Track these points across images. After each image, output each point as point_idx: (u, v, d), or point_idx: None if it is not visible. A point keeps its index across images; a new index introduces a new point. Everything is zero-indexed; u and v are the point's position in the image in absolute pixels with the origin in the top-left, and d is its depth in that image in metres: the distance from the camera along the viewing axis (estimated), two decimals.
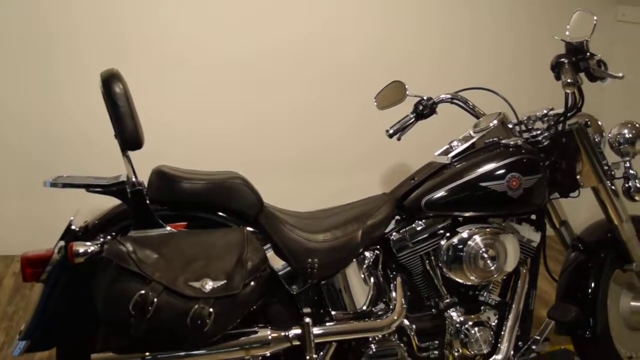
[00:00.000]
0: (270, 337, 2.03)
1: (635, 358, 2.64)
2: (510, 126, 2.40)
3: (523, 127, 2.45)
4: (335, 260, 2.15)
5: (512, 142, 2.28)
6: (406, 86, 2.55)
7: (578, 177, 2.41)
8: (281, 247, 2.09)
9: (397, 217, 2.32)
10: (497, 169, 2.22)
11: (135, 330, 1.80)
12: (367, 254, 2.24)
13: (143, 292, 1.77)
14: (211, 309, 1.81)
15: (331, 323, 2.16)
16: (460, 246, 2.21)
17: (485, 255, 2.21)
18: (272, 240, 2.09)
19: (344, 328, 2.15)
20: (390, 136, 2.55)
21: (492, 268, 2.22)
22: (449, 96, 2.55)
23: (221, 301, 1.83)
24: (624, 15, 3.93)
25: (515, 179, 2.21)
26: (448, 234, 2.25)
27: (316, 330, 2.09)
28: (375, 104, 2.61)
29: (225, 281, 1.85)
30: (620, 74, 2.20)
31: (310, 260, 2.09)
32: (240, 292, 1.86)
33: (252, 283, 1.90)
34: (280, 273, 2.11)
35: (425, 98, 2.53)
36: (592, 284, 2.47)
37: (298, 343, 2.07)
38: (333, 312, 2.20)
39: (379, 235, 2.24)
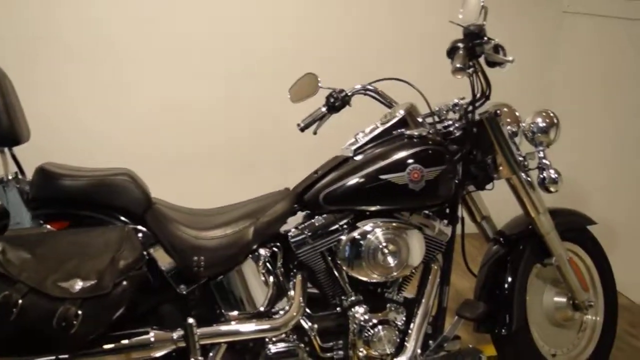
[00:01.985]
0: (152, 339, 1.95)
1: (560, 355, 2.54)
2: (420, 119, 2.31)
3: (436, 118, 2.36)
4: (223, 258, 2.06)
5: (416, 133, 2.19)
6: (319, 78, 2.46)
7: (492, 168, 2.32)
8: (166, 245, 2.01)
9: (305, 213, 2.24)
10: (398, 161, 2.13)
11: (0, 332, 1.73)
12: (262, 251, 2.15)
13: (7, 292, 1.70)
14: (79, 310, 1.73)
15: (220, 324, 2.07)
16: (359, 241, 2.12)
17: (386, 251, 2.13)
18: (158, 238, 2.01)
19: (231, 329, 2.06)
20: (302, 130, 2.46)
21: (393, 264, 2.14)
22: (361, 87, 2.46)
23: (90, 302, 1.76)
24: (569, 6, 3.83)
25: (417, 171, 2.12)
26: (348, 230, 2.16)
27: (201, 331, 2.01)
28: (289, 97, 2.52)
29: (96, 281, 1.77)
30: (511, 58, 2.11)
31: (196, 258, 2.01)
32: (111, 292, 1.79)
33: (124, 283, 1.82)
34: (170, 272, 2.03)
35: (337, 90, 2.44)
36: (509, 279, 2.38)
37: (183, 345, 1.99)
38: (228, 313, 2.11)
39: (275, 232, 2.16)
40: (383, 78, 2.44)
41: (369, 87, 2.46)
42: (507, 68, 2.14)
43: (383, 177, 2.12)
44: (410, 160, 2.13)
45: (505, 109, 2.39)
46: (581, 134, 3.78)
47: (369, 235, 2.13)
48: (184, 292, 2.05)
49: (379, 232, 2.13)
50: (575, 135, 3.81)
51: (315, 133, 2.52)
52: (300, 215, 2.27)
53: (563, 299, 2.54)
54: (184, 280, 2.04)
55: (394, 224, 2.16)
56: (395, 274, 2.16)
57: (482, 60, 2.20)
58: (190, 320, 1.99)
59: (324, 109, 2.44)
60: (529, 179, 2.36)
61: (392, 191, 2.13)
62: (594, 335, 2.63)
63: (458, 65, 2.06)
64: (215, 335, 2.04)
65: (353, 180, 2.14)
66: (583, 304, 2.50)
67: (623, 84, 3.47)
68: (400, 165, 2.13)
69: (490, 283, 2.43)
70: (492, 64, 2.18)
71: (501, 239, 2.48)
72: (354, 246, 2.13)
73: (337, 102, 2.43)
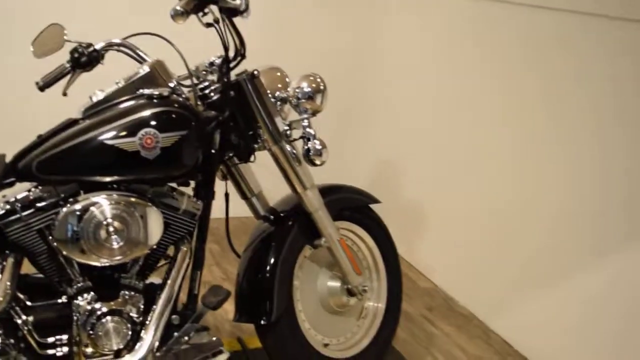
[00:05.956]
0: None
1: (334, 344, 2.34)
2: (174, 79, 2.01)
3: (195, 80, 2.07)
4: None
5: (156, 93, 1.89)
6: (65, 30, 2.10)
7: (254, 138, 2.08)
8: None
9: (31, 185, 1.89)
10: (130, 124, 1.83)
11: None
12: None
13: None
14: None
15: None
16: (78, 217, 1.80)
17: (111, 229, 1.81)
18: None
19: None
20: (41, 89, 2.10)
21: (117, 245, 1.83)
22: (111, 42, 2.12)
23: None
24: None
25: (150, 137, 1.82)
26: (70, 203, 1.83)
27: None
28: (32, 51, 2.14)
29: None
30: (239, 1, 1.86)
31: None
32: None
33: None
34: None
35: (84, 44, 2.09)
36: (271, 261, 2.13)
37: None
38: None
39: None
40: (137, 33, 2.12)
41: (121, 42, 2.13)
42: (249, 16, 1.88)
43: (110, 142, 1.81)
44: (143, 124, 1.83)
45: (275, 73, 2.16)
46: (408, 109, 3.63)
47: (92, 209, 1.81)
48: None
49: (103, 206, 1.82)
50: (401, 110, 3.67)
51: (64, 94, 2.16)
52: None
53: (337, 284, 2.33)
54: None
55: (125, 198, 1.85)
56: (119, 257, 1.85)
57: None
58: None
59: (67, 66, 2.09)
60: (294, 151, 2.12)
61: (121, 159, 1.83)
62: (375, 323, 2.44)
63: (177, 8, 1.77)
64: None
65: (73, 147, 1.81)
66: (357, 288, 2.30)
67: (452, 59, 3.32)
68: (132, 129, 1.82)
69: (252, 266, 2.18)
70: (231, 12, 1.91)
71: (271, 216, 2.23)
72: (72, 222, 1.80)
73: (83, 58, 2.08)
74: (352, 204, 2.36)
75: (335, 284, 2.32)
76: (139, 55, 2.15)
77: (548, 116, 2.69)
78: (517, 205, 2.84)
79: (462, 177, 3.16)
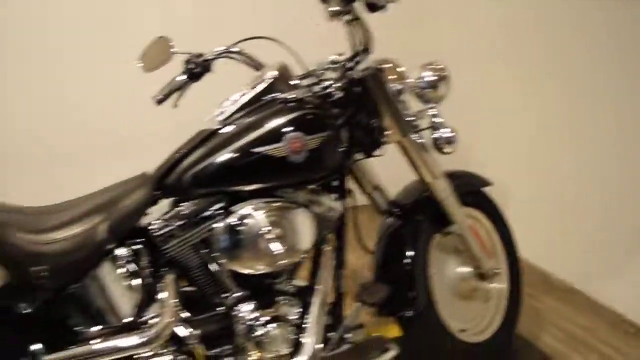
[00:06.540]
0: None
1: (469, 330, 2.34)
2: (295, 81, 2.01)
3: (313, 79, 2.07)
4: (72, 264, 1.67)
5: (290, 96, 1.89)
6: (171, 42, 2.10)
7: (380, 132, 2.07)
8: None
9: (170, 201, 1.89)
10: (274, 130, 1.83)
11: None
12: (121, 251, 1.78)
13: None
14: None
15: (77, 345, 1.68)
16: (238, 228, 1.80)
17: (271, 236, 1.81)
18: None
19: (92, 350, 1.68)
20: (159, 102, 2.11)
21: (281, 251, 1.83)
22: (223, 50, 2.13)
23: None
24: None
25: (297, 140, 1.82)
26: (223, 215, 1.82)
27: (51, 359, 1.61)
28: (142, 65, 2.14)
29: None
30: None
31: (35, 268, 1.60)
32: None
33: None
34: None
35: (195, 54, 2.10)
36: (409, 253, 2.14)
37: None
38: (87, 330, 1.73)
39: (132, 226, 1.79)
40: (248, 37, 2.13)
41: (233, 48, 2.14)
42: (390, 10, 1.88)
43: (257, 150, 1.81)
44: (287, 129, 1.83)
45: (387, 65, 2.15)
46: (474, 88, 3.61)
47: (248, 220, 1.81)
48: (22, 312, 1.64)
49: (260, 214, 1.82)
50: (465, 91, 3.65)
51: (175, 106, 2.16)
52: (164, 204, 1.91)
53: (467, 270, 2.34)
54: (23, 297, 1.63)
55: (277, 204, 1.85)
56: (284, 261, 1.85)
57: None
58: (37, 347, 1.59)
59: (183, 77, 2.10)
60: (422, 140, 2.12)
61: (270, 166, 1.83)
62: (501, 304, 2.45)
63: (335, 9, 1.77)
64: None
65: (222, 157, 1.81)
66: (489, 272, 2.30)
67: (523, 37, 3.29)
68: (276, 135, 1.82)
69: (388, 260, 2.18)
70: (373, 7, 1.90)
71: (396, 210, 2.24)
72: (232, 234, 1.80)
73: (197, 69, 2.10)
74: (470, 189, 2.37)
75: (466, 269, 2.33)
76: (253, 60, 2.15)
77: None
78: (610, 170, 2.83)
79: (558, 146, 3.14)
